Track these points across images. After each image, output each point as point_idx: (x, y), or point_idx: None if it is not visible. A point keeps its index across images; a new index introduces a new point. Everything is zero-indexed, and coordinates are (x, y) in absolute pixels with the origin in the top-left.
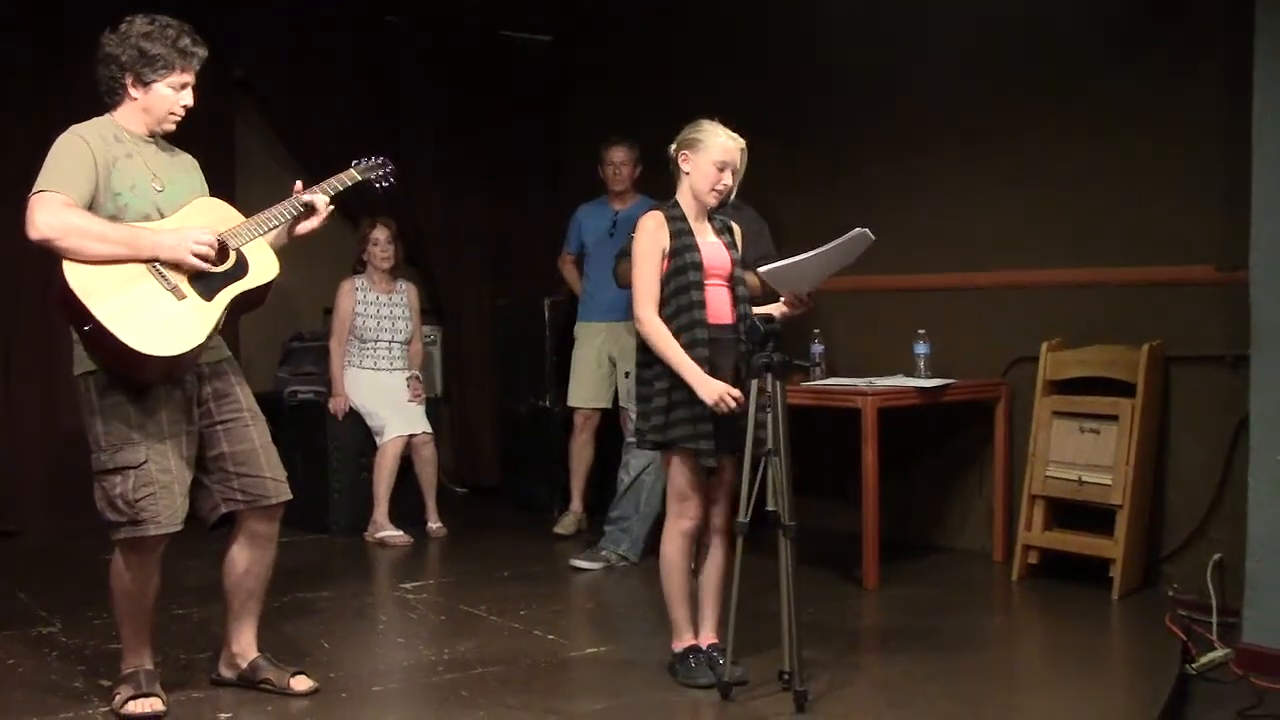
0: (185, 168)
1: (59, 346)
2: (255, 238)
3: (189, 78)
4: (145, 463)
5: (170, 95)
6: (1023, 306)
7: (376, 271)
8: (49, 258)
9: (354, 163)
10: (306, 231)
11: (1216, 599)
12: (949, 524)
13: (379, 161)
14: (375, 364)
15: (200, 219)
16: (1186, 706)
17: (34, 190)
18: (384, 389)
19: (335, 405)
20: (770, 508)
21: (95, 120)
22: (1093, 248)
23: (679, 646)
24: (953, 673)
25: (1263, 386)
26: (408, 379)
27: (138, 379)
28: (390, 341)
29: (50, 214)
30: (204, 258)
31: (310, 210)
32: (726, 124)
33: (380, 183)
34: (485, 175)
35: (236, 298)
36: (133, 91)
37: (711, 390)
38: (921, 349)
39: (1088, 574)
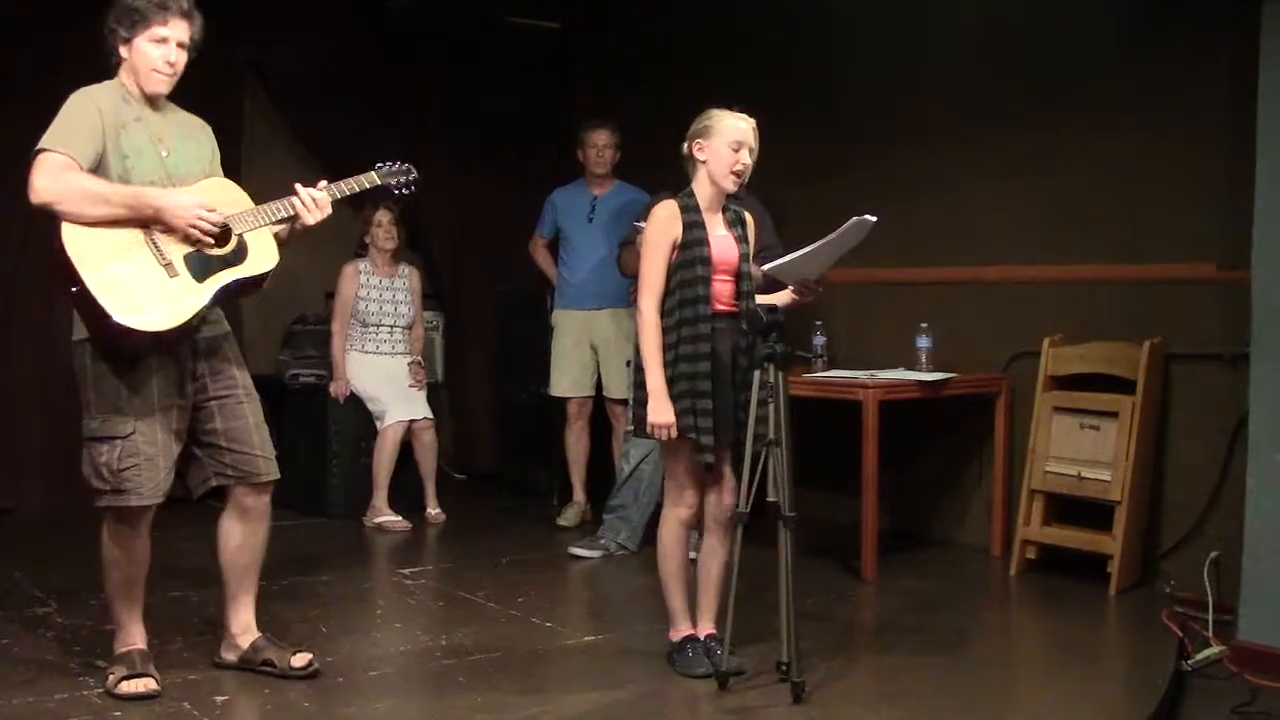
0: (193, 131)
1: (56, 322)
2: (260, 226)
3: (168, 31)
4: (132, 434)
5: (149, 49)
6: (1024, 302)
7: (379, 254)
8: (46, 230)
9: (376, 166)
10: (306, 227)
11: (1213, 596)
12: (948, 517)
13: (402, 168)
14: (377, 348)
15: (208, 198)
16: (1181, 702)
17: (37, 148)
18: (385, 373)
19: (336, 389)
20: (771, 498)
21: (106, 83)
22: (1095, 244)
23: (676, 636)
24: (950, 666)
25: (1262, 385)
26: (409, 364)
27: (120, 348)
28: (392, 326)
29: (50, 177)
30: (204, 232)
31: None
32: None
33: (401, 190)
34: (489, 160)
35: (230, 284)
36: (122, 51)
37: (661, 414)
38: (923, 342)
39: (1086, 569)
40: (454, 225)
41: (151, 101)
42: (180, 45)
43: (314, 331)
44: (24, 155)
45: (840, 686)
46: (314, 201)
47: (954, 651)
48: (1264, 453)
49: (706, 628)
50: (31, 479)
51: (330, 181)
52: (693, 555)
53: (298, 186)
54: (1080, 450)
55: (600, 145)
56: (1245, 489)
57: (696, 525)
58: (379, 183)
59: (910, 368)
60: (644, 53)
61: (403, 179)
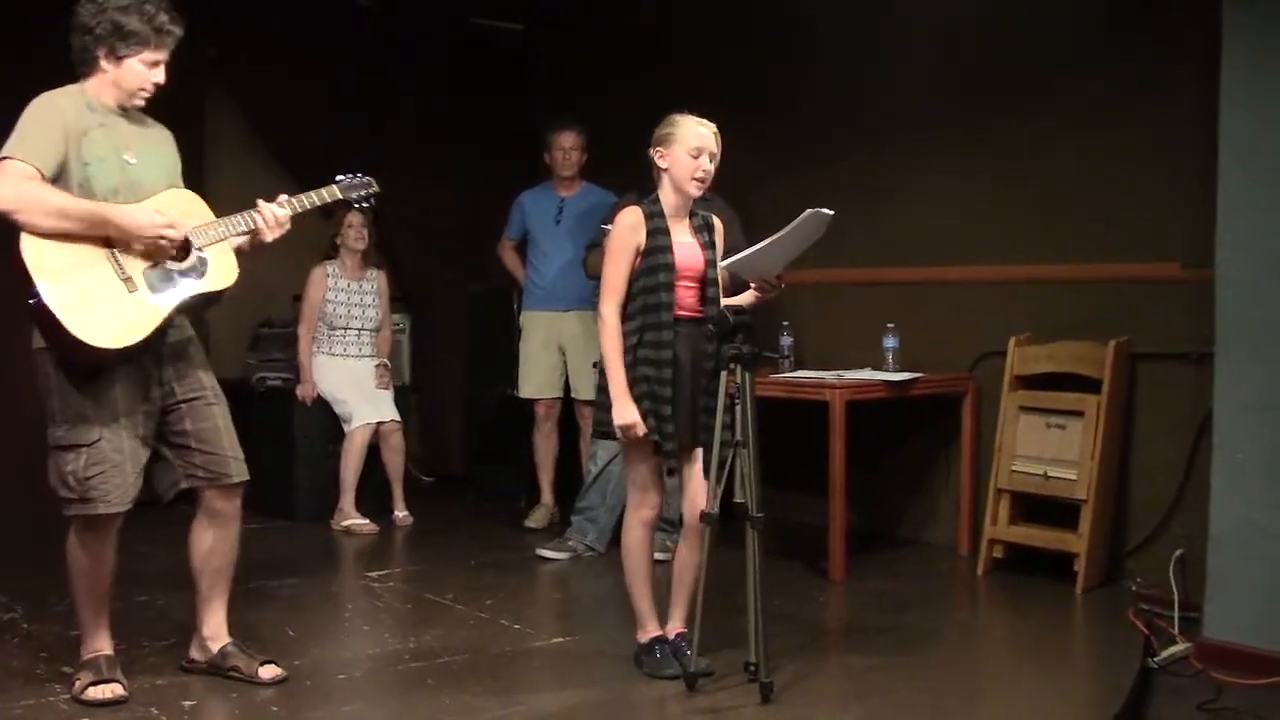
0: (159, 140)
1: (18, 327)
2: (221, 239)
3: (162, 55)
4: (98, 441)
5: (142, 72)
6: (991, 302)
7: (349, 255)
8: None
9: (336, 179)
10: (264, 242)
11: (1178, 594)
12: (916, 517)
13: (363, 180)
14: (345, 351)
15: (170, 212)
16: (1148, 699)
17: (0, 155)
18: (352, 376)
19: (303, 392)
20: (738, 499)
21: (69, 88)
22: (1061, 244)
23: (644, 637)
24: (918, 665)
25: (1227, 384)
26: (375, 365)
27: (77, 361)
28: (360, 329)
29: (10, 186)
30: (163, 248)
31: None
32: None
33: (361, 203)
34: (457, 162)
35: (188, 299)
36: (104, 64)
37: (625, 415)
38: (890, 343)
39: (1052, 568)
40: (422, 227)
41: (118, 109)
42: (166, 65)
43: (280, 334)
44: None
45: (808, 687)
46: (275, 219)
47: (922, 651)
48: (1228, 451)
49: (676, 628)
50: None
51: (290, 196)
52: (659, 556)
53: (260, 203)
54: (1046, 449)
55: (567, 147)
56: (1210, 487)
57: (663, 526)
58: (339, 196)
59: (877, 368)
60: (608, 54)
61: (363, 192)
